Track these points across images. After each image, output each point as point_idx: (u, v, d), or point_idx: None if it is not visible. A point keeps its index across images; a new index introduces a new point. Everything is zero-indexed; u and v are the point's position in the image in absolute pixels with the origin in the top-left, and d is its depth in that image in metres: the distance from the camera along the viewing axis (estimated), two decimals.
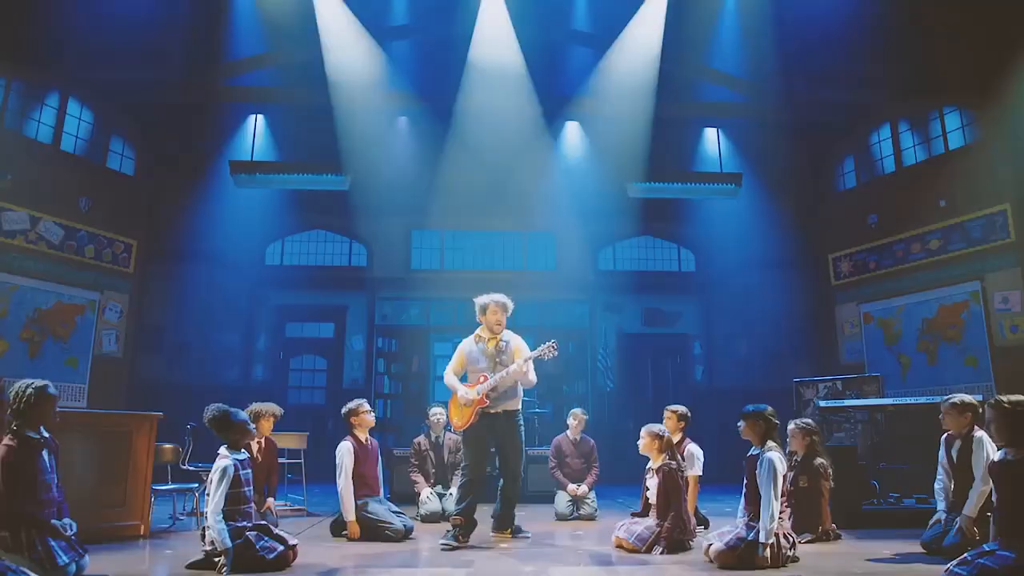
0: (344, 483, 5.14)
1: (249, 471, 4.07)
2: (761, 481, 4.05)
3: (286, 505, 7.12)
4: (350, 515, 5.07)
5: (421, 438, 6.81)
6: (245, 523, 3.91)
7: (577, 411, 6.82)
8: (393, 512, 5.26)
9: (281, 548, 3.90)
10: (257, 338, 11.92)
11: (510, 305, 5.13)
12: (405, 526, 5.16)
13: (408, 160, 11.13)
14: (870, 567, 3.96)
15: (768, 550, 3.91)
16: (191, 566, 3.83)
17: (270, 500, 5.55)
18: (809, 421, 5.21)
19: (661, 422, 5.88)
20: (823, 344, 10.06)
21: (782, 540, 3.98)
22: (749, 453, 4.32)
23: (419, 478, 6.50)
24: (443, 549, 4.59)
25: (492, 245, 12.56)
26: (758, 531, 3.97)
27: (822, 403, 6.19)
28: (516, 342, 5.09)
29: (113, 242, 9.06)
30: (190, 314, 10.63)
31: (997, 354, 8.08)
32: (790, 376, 10.28)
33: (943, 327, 8.48)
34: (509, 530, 5.09)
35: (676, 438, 5.39)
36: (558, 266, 12.41)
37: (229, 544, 3.72)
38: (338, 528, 5.21)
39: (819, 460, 5.02)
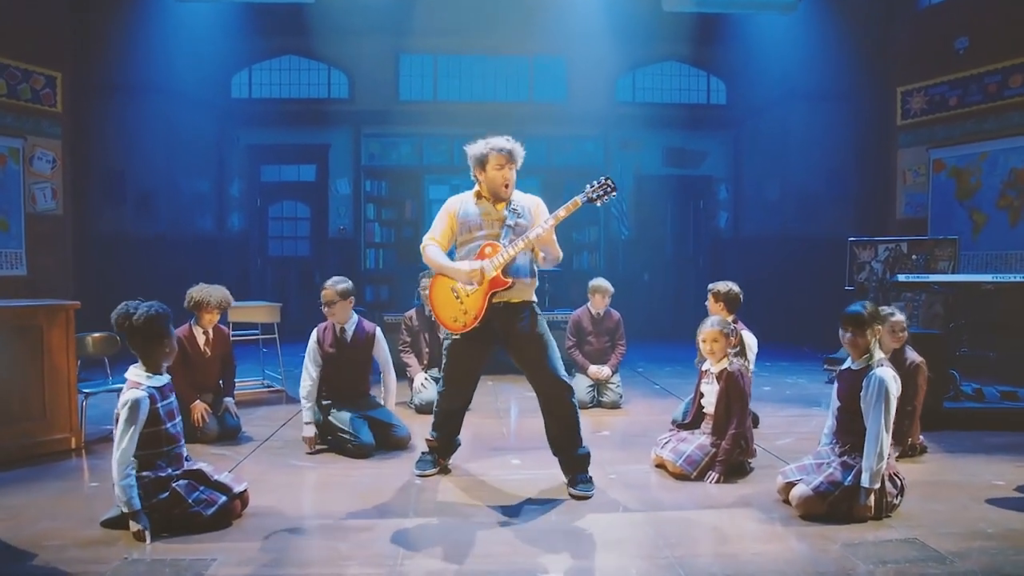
0: (304, 383, 4.17)
1: (173, 400, 3.02)
2: (868, 407, 3.01)
3: (263, 384, 6.27)
4: (305, 417, 4.15)
5: (412, 313, 5.78)
6: (172, 470, 2.92)
7: (601, 283, 5.68)
8: (384, 421, 4.30)
9: (223, 499, 2.93)
10: (230, 183, 10.63)
11: (520, 153, 3.41)
12: (398, 435, 4.25)
13: None
14: (1004, 518, 3.02)
15: (872, 497, 2.96)
16: (107, 524, 2.89)
17: (228, 401, 4.60)
18: (894, 310, 4.10)
19: (699, 296, 4.82)
20: (876, 193, 8.71)
21: (887, 483, 3.02)
22: (844, 367, 3.25)
23: (412, 360, 5.55)
24: (417, 475, 3.66)
25: (493, 71, 10.86)
26: (858, 472, 3.00)
27: (902, 277, 5.05)
28: (536, 204, 3.51)
29: (29, 75, 7.32)
30: (149, 158, 9.18)
31: None
32: (826, 227, 9.12)
33: None
34: (570, 477, 3.44)
35: None
36: (569, 96, 10.81)
37: (137, 506, 2.76)
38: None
39: (913, 359, 3.97)
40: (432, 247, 3.49)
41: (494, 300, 3.31)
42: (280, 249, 10.90)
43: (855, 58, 8.73)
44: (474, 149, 3.46)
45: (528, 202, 3.52)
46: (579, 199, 3.34)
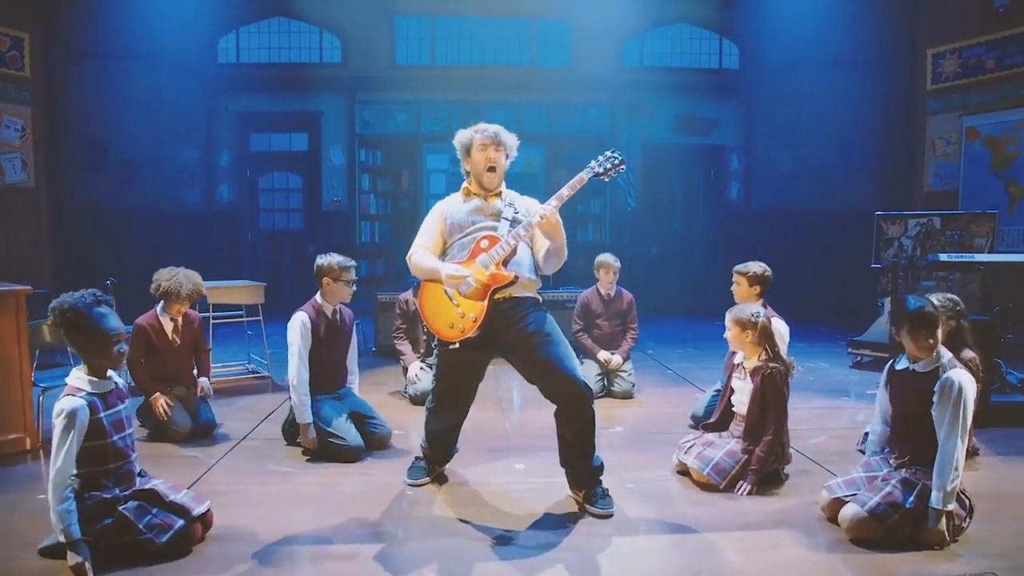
0: (294, 371, 3.69)
1: (122, 408, 2.58)
2: (942, 415, 2.56)
3: (248, 370, 5.86)
4: (304, 416, 3.67)
5: (409, 295, 5.31)
6: (120, 491, 2.50)
7: (605, 258, 5.24)
8: (365, 416, 3.90)
9: (180, 524, 2.52)
10: (218, 153, 10.10)
11: (509, 140, 3.08)
12: (379, 433, 3.85)
13: None
14: None
15: (944, 521, 2.54)
16: (46, 552, 2.49)
17: (202, 381, 4.20)
18: (954, 297, 3.64)
19: (709, 271, 4.34)
20: (901, 165, 8.16)
21: (954, 505, 2.60)
22: (902, 367, 2.81)
23: (406, 348, 5.11)
24: (409, 485, 3.25)
25: (494, 35, 10.26)
26: (921, 492, 2.58)
27: (943, 257, 4.59)
28: (534, 203, 3.10)
29: None
30: (130, 127, 8.66)
31: None
32: (845, 200, 8.65)
33: None
34: (584, 492, 3.01)
35: None
36: (573, 61, 10.24)
37: (76, 535, 2.34)
38: (293, 432, 3.85)
39: (968, 353, 3.53)
40: (419, 253, 3.07)
41: (495, 297, 2.87)
42: (271, 222, 10.42)
43: (880, 17, 8.12)
44: (460, 137, 3.10)
45: (526, 201, 3.11)
46: (584, 175, 2.89)
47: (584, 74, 10.08)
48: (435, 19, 10.22)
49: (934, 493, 2.53)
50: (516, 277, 2.87)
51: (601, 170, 2.93)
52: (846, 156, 8.77)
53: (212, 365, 5.34)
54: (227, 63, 10.00)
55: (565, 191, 2.84)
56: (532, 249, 3.06)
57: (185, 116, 9.43)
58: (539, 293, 3.13)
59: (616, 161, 2.93)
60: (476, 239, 2.94)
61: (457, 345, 2.91)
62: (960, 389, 2.53)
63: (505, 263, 2.87)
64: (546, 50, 10.30)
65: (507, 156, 3.07)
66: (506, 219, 2.94)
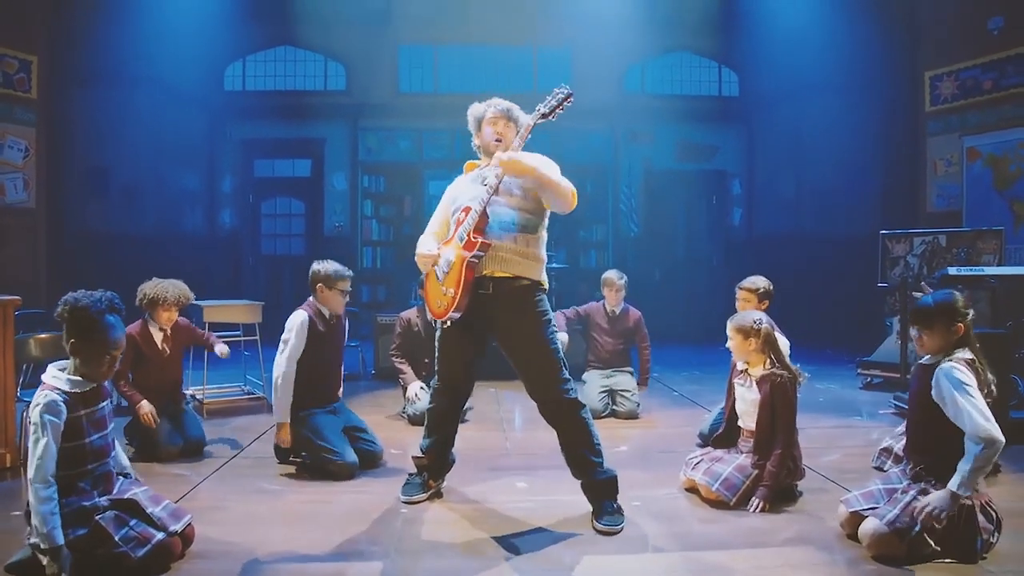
0: (282, 366, 3.57)
1: (101, 407, 2.46)
2: (948, 406, 2.43)
3: (244, 390, 5.72)
4: (283, 415, 3.56)
5: (412, 314, 5.20)
6: (97, 499, 2.37)
7: (608, 276, 5.13)
8: (357, 432, 3.77)
9: (159, 537, 2.37)
10: (221, 179, 10.12)
11: (522, 117, 3.02)
12: (369, 450, 3.70)
13: None
14: None
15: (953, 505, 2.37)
16: (12, 568, 2.34)
17: (218, 346, 4.23)
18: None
19: (714, 296, 4.24)
20: (904, 186, 8.12)
21: (979, 516, 2.44)
22: (920, 361, 2.70)
23: (406, 368, 4.97)
24: (404, 502, 3.10)
25: (495, 62, 10.32)
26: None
27: (952, 271, 4.49)
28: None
29: (1, 58, 6.79)
30: (134, 151, 8.66)
31: None
32: (848, 223, 8.58)
33: None
34: (595, 505, 2.87)
35: None
36: (574, 88, 9.97)
37: (59, 541, 2.19)
38: (284, 449, 3.69)
39: (967, 353, 3.38)
40: (422, 238, 3.09)
41: (485, 273, 2.81)
42: (273, 247, 10.37)
43: (878, 42, 8.14)
44: (473, 110, 3.12)
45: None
46: (531, 120, 2.88)
47: (585, 101, 9.97)
48: (438, 47, 10.31)
49: (955, 477, 2.39)
50: (487, 243, 2.77)
51: (547, 110, 2.86)
52: (848, 179, 8.74)
53: (207, 387, 5.33)
54: (233, 91, 10.08)
55: (516, 142, 2.86)
56: (525, 210, 2.91)
57: (189, 142, 9.47)
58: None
59: (562, 96, 2.85)
60: (457, 218, 2.91)
61: (448, 323, 2.87)
62: (948, 374, 2.45)
63: (481, 231, 2.79)
64: (547, 77, 10.33)
65: (517, 133, 2.98)
66: (486, 185, 2.86)
